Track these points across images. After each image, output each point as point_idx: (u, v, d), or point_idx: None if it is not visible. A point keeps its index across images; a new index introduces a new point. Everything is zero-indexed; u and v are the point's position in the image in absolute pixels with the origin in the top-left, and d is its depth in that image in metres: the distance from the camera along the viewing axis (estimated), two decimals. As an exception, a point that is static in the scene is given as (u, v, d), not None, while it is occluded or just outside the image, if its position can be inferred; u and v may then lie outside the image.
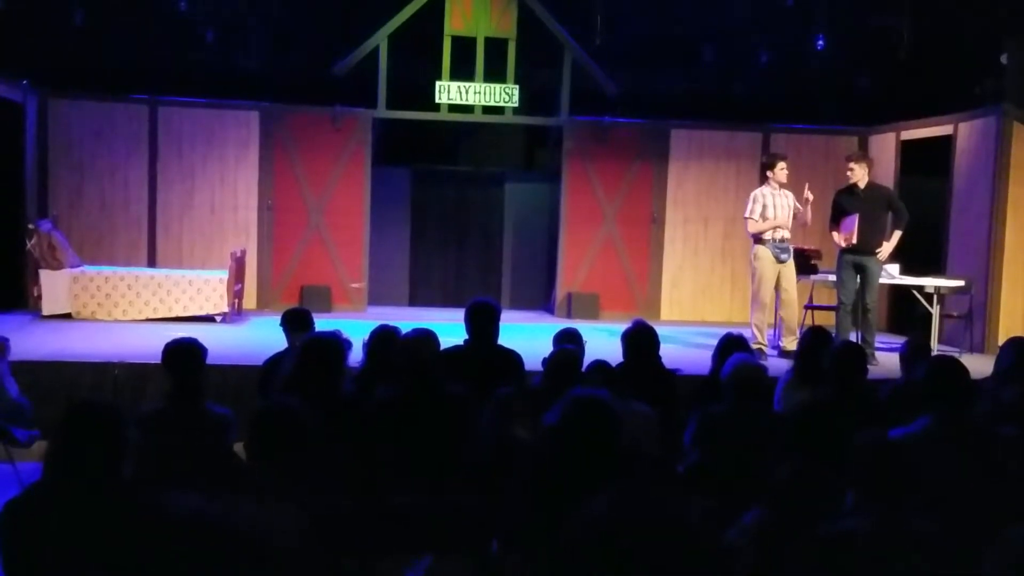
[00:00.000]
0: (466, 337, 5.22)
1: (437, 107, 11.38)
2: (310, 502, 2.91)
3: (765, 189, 8.68)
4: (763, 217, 8.55)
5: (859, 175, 8.60)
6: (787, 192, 8.69)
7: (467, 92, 11.30)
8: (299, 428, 3.12)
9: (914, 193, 10.40)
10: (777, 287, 8.62)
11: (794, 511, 2.98)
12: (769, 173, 8.73)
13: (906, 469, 3.01)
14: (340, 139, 11.40)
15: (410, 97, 11.41)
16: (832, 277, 8.99)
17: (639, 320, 5.55)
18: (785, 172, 8.68)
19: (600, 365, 4.66)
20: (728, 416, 4.29)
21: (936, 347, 8.93)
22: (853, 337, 8.47)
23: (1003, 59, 10.03)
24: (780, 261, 8.58)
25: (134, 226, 11.20)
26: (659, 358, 5.38)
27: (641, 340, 5.29)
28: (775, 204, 8.56)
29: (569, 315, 11.49)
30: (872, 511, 2.90)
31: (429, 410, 4.19)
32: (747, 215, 8.62)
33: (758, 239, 8.59)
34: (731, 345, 5.20)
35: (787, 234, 8.63)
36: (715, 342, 5.47)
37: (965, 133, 10.26)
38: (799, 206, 8.71)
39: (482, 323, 5.18)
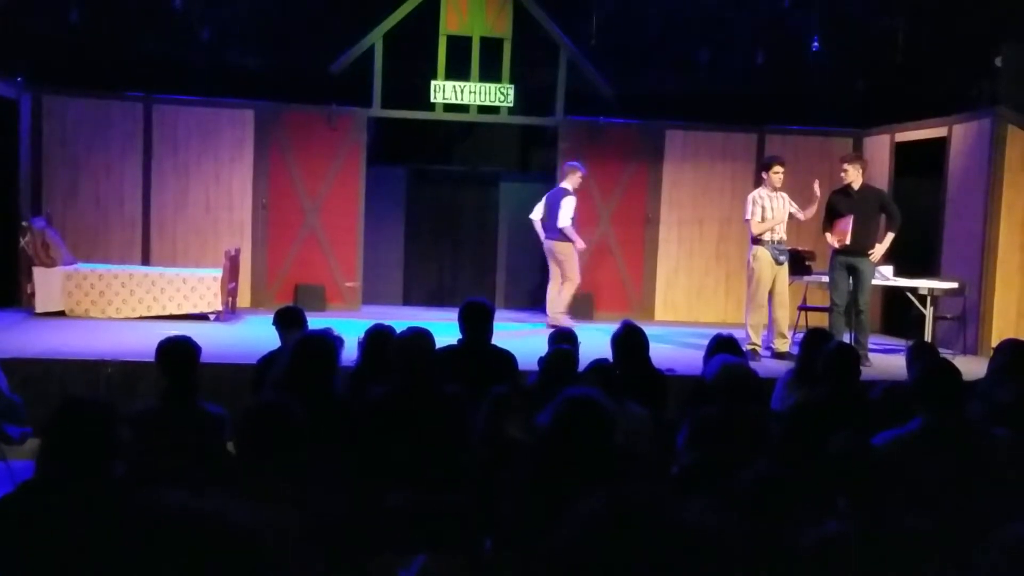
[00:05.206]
0: (460, 337, 5.22)
1: (432, 106, 11.37)
2: (303, 501, 2.91)
3: (762, 191, 8.70)
4: (762, 219, 8.58)
5: (853, 176, 8.62)
6: (783, 194, 8.71)
7: (462, 92, 11.29)
8: (290, 426, 3.11)
9: (908, 195, 10.42)
10: (771, 289, 8.64)
11: (763, 516, 2.96)
12: (764, 175, 8.76)
13: (886, 473, 3.01)
14: (335, 138, 11.38)
15: (405, 96, 11.40)
16: (825, 278, 9.01)
17: (627, 321, 5.54)
18: (780, 177, 8.67)
19: (599, 365, 4.65)
20: (720, 418, 4.29)
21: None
22: (847, 338, 8.48)
23: (998, 61, 10.05)
24: (778, 263, 8.61)
25: (128, 224, 11.17)
26: (649, 360, 5.38)
27: (631, 342, 5.29)
28: (772, 206, 8.59)
29: (563, 315, 11.46)
30: (861, 514, 2.90)
31: (424, 409, 4.19)
32: (747, 217, 8.64)
33: (757, 240, 8.61)
34: (721, 346, 5.20)
35: (784, 236, 8.67)
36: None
37: (959, 135, 10.28)
38: (795, 206, 8.75)
39: (476, 323, 5.18)
